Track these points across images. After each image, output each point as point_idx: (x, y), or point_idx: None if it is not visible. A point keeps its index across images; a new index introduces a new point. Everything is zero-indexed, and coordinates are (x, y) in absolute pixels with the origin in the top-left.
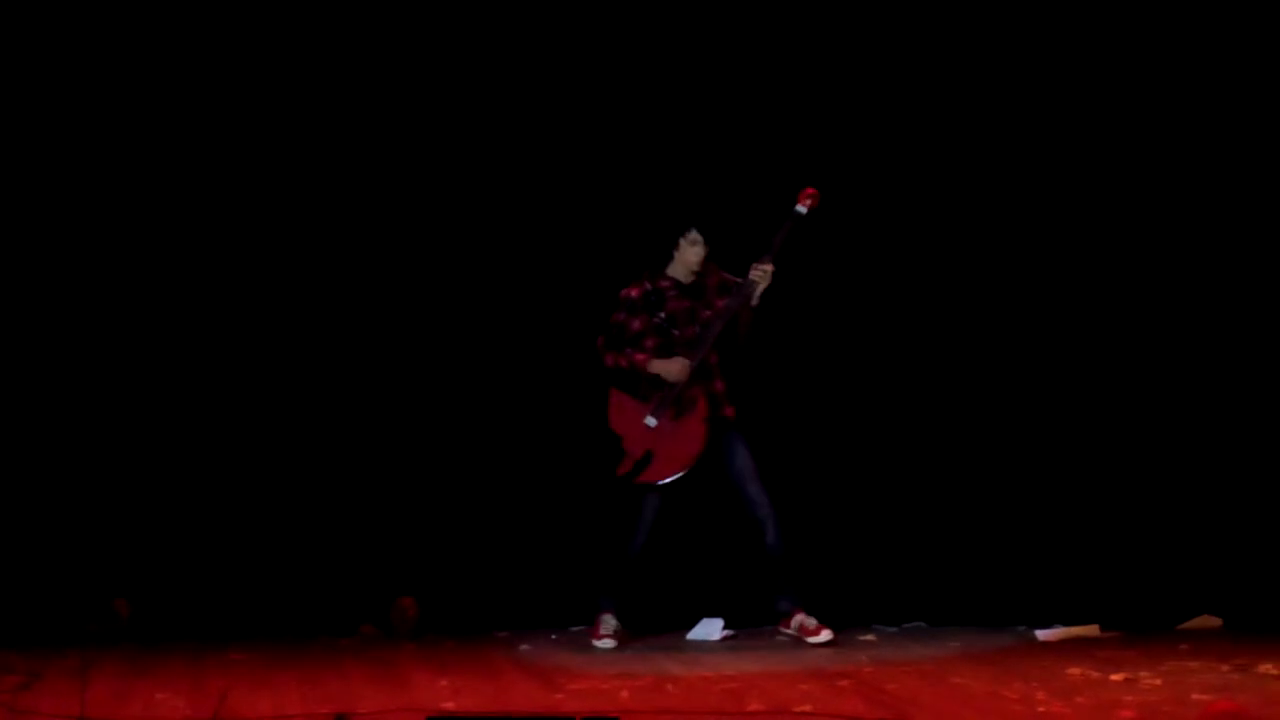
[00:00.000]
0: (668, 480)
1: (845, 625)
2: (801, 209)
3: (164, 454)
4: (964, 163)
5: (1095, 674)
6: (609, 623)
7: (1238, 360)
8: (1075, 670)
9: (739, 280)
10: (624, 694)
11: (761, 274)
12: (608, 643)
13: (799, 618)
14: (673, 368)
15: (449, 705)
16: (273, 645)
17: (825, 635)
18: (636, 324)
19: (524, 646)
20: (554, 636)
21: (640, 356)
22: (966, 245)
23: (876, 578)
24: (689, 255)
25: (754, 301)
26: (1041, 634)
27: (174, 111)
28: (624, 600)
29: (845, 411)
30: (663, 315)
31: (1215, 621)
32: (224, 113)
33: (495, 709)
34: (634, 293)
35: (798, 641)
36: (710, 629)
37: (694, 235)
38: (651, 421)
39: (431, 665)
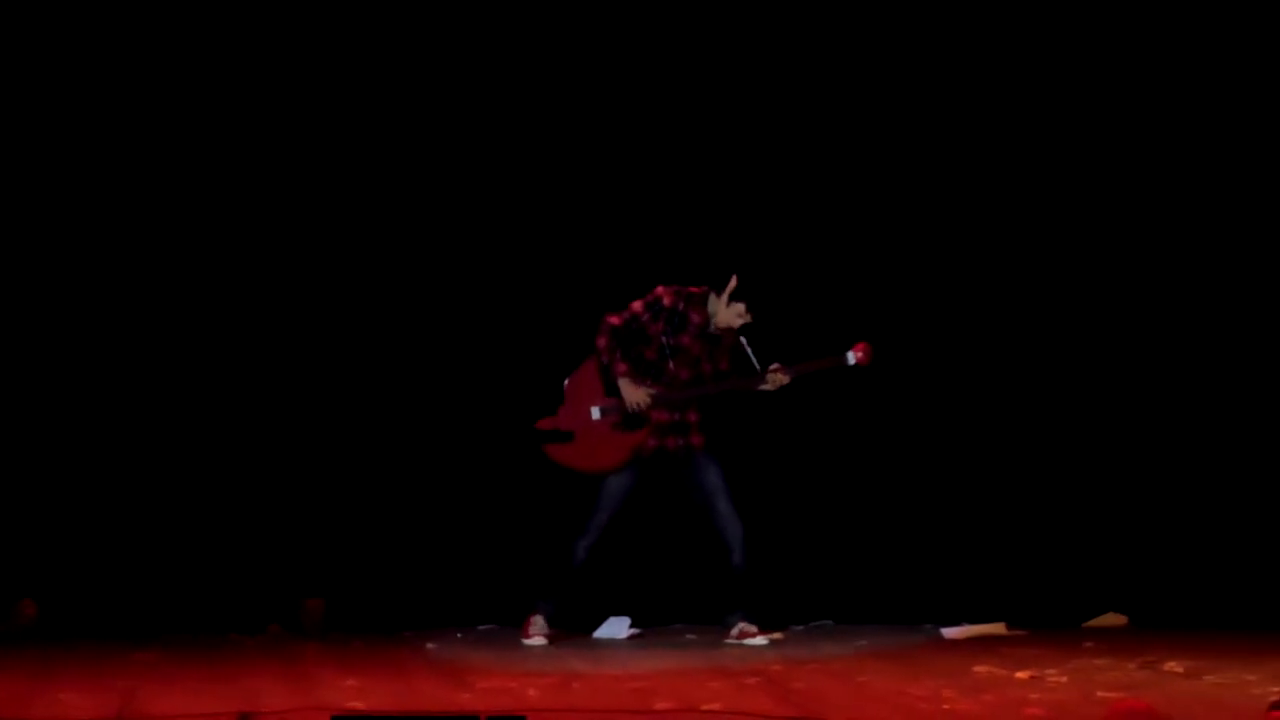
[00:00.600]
0: (559, 464)
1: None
2: (851, 358)
3: (72, 454)
4: (959, 162)
5: (1001, 672)
6: (539, 623)
7: (1141, 363)
8: (982, 668)
9: (752, 371)
10: (531, 692)
11: (774, 384)
12: (538, 640)
13: (740, 626)
14: (636, 396)
15: (356, 704)
16: (180, 644)
17: (762, 640)
18: (652, 329)
19: (431, 645)
20: (460, 635)
21: (624, 366)
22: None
23: (785, 577)
24: (729, 314)
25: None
26: (948, 632)
27: (164, 118)
28: (561, 602)
29: (753, 411)
30: (671, 343)
31: (1121, 619)
32: (208, 122)
33: (402, 708)
34: (668, 299)
35: (711, 641)
36: (617, 627)
37: (742, 308)
38: (595, 413)
39: (338, 664)
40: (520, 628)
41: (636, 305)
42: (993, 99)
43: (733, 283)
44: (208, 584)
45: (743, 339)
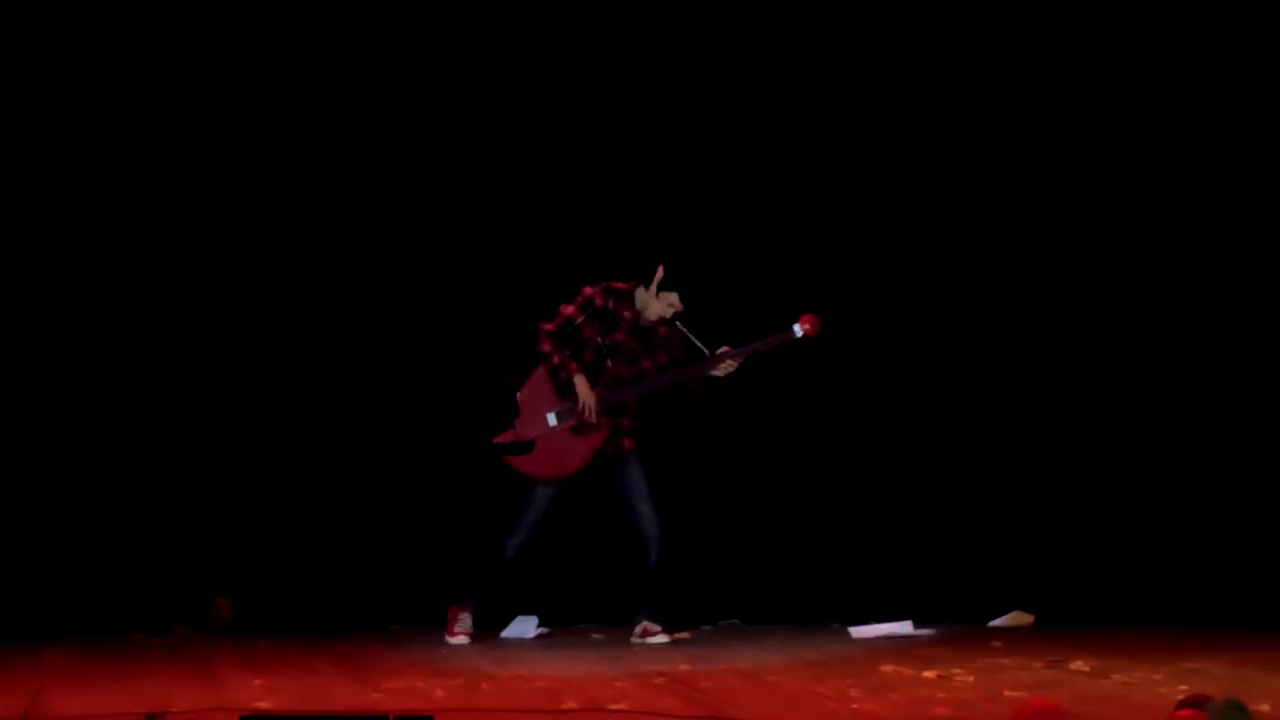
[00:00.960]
0: (524, 473)
1: (664, 625)
2: (798, 330)
3: None
4: (951, 160)
5: (909, 671)
6: (465, 620)
7: (1037, 357)
8: (889, 667)
9: (700, 357)
10: (439, 692)
11: (724, 370)
12: (461, 639)
13: (643, 625)
14: (586, 393)
15: (263, 704)
16: (86, 644)
17: (662, 638)
18: (585, 330)
19: (340, 645)
20: (369, 635)
21: (575, 365)
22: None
23: (693, 576)
24: (659, 305)
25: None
26: (856, 631)
27: (147, 121)
28: (483, 598)
29: (662, 412)
30: (607, 342)
31: (1028, 618)
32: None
33: (310, 708)
34: (598, 299)
35: (619, 640)
36: (525, 627)
37: (674, 298)
38: (552, 420)
39: (246, 664)
40: (445, 625)
41: (567, 309)
42: (989, 98)
43: (659, 273)
44: (113, 583)
45: (680, 325)
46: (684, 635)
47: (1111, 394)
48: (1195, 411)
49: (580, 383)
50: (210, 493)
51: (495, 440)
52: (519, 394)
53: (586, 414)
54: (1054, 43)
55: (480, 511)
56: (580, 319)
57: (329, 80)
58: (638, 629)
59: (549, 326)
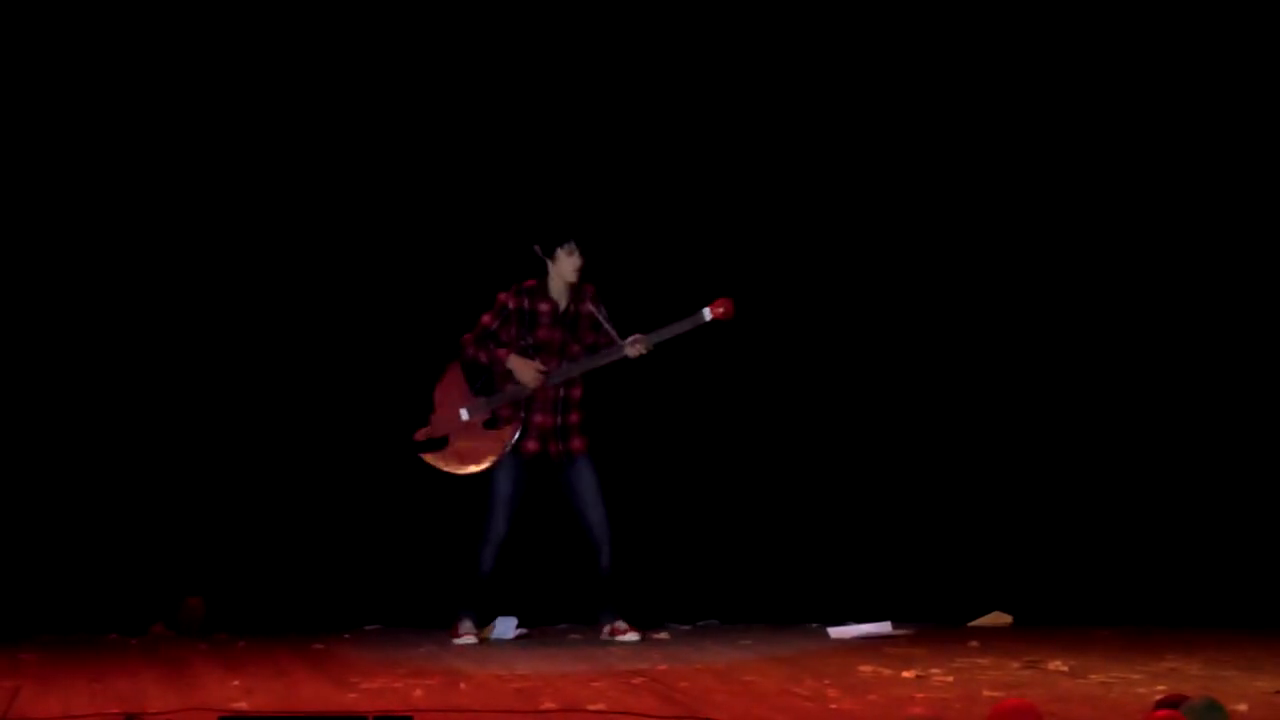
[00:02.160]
0: (442, 470)
1: (639, 624)
2: (708, 314)
3: None
4: (934, 158)
5: (887, 671)
6: (468, 624)
7: (1016, 359)
8: (867, 667)
9: (610, 340)
10: (417, 693)
11: (635, 352)
12: (468, 639)
13: (611, 624)
14: (527, 373)
15: (241, 705)
16: (62, 645)
17: (633, 635)
18: (504, 335)
19: (317, 646)
20: (347, 636)
21: (501, 352)
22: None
23: (671, 576)
24: (565, 266)
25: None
26: (834, 631)
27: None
28: (480, 609)
29: (640, 410)
30: (531, 341)
31: (1006, 619)
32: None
33: (288, 708)
34: (510, 302)
35: (596, 640)
36: (504, 628)
37: (571, 246)
38: (465, 414)
39: (223, 665)
40: (426, 626)
41: (485, 318)
42: (980, 92)
43: (538, 250)
44: (89, 583)
45: (600, 312)
46: (662, 635)
47: (1089, 396)
48: (1171, 413)
49: (515, 361)
50: (188, 492)
51: (414, 438)
52: (435, 391)
53: (538, 387)
54: (1039, 31)
55: (456, 512)
56: (496, 325)
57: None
58: (606, 628)
59: (469, 335)
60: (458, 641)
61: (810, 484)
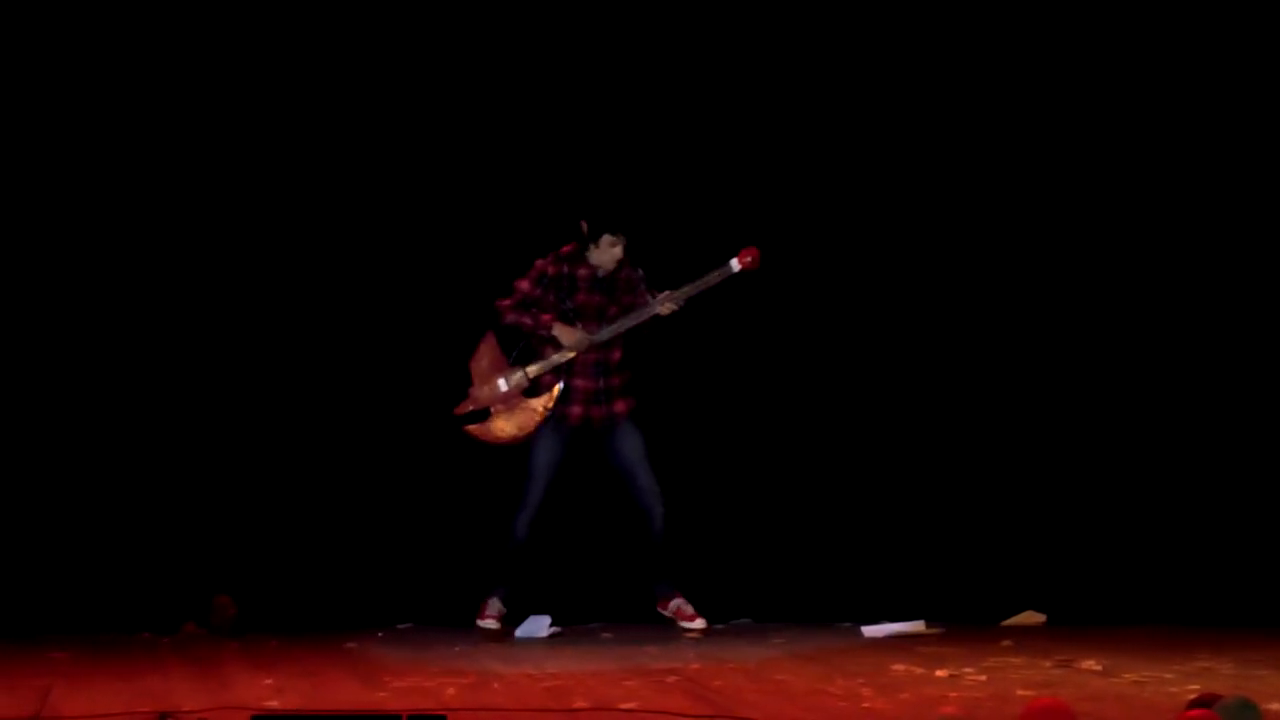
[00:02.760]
0: (485, 442)
1: (671, 622)
2: (735, 265)
3: None
4: (943, 157)
5: (919, 670)
6: (495, 605)
7: (1048, 356)
8: (899, 667)
9: (646, 298)
10: (449, 692)
11: (667, 309)
12: (490, 623)
13: (677, 600)
14: (573, 335)
15: (272, 704)
16: (94, 643)
17: (699, 623)
18: (543, 301)
19: (349, 645)
20: (380, 634)
21: (546, 317)
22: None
23: (703, 575)
24: (605, 255)
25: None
26: (867, 630)
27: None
28: (514, 585)
29: (679, 406)
30: (571, 305)
31: (1039, 618)
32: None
33: (319, 707)
34: (550, 269)
35: (626, 639)
36: (536, 626)
37: (618, 239)
38: (503, 384)
39: (255, 663)
40: (453, 623)
41: (523, 284)
42: (979, 91)
43: (584, 227)
44: (121, 582)
45: (639, 271)
46: (719, 627)
47: (1122, 393)
48: (1207, 410)
49: (560, 327)
50: (219, 491)
51: (455, 412)
52: (470, 363)
53: (577, 348)
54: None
55: (490, 509)
56: (537, 293)
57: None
58: (670, 604)
59: (506, 301)
60: (482, 624)
61: (843, 483)
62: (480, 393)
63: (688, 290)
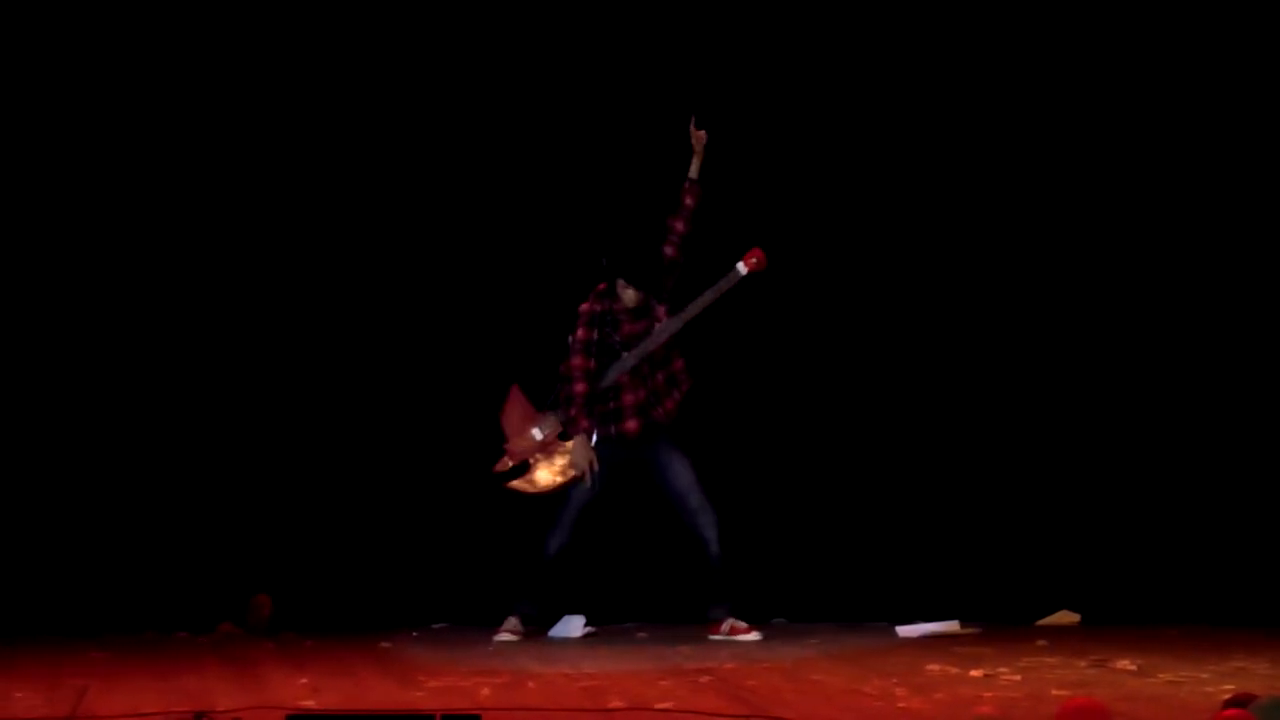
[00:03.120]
0: (531, 493)
1: (706, 622)
2: (742, 268)
3: (20, 451)
4: (944, 158)
5: (954, 670)
6: (512, 621)
7: (1089, 361)
8: (934, 666)
9: (661, 316)
10: (484, 691)
11: (669, 331)
12: (505, 636)
13: (728, 623)
14: (587, 456)
15: (308, 703)
16: (130, 642)
17: (754, 635)
18: (591, 335)
19: (384, 644)
20: (414, 634)
21: (585, 423)
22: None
23: (738, 575)
24: (626, 295)
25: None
26: (901, 630)
27: (145, 120)
28: (539, 601)
29: (710, 409)
30: (618, 339)
31: (1074, 617)
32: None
33: (355, 707)
34: (596, 307)
35: (663, 639)
36: (571, 626)
37: (621, 283)
38: (537, 434)
39: (290, 663)
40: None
41: (580, 333)
42: (986, 93)
43: (604, 261)
44: (157, 582)
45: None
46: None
47: (1158, 393)
48: (1245, 411)
49: (581, 441)
50: (256, 491)
51: (494, 470)
52: (501, 419)
53: (584, 477)
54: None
55: (525, 509)
56: (593, 335)
57: (325, 81)
58: (724, 626)
59: (576, 362)
60: (497, 638)
61: (879, 482)
62: (516, 446)
63: (700, 303)
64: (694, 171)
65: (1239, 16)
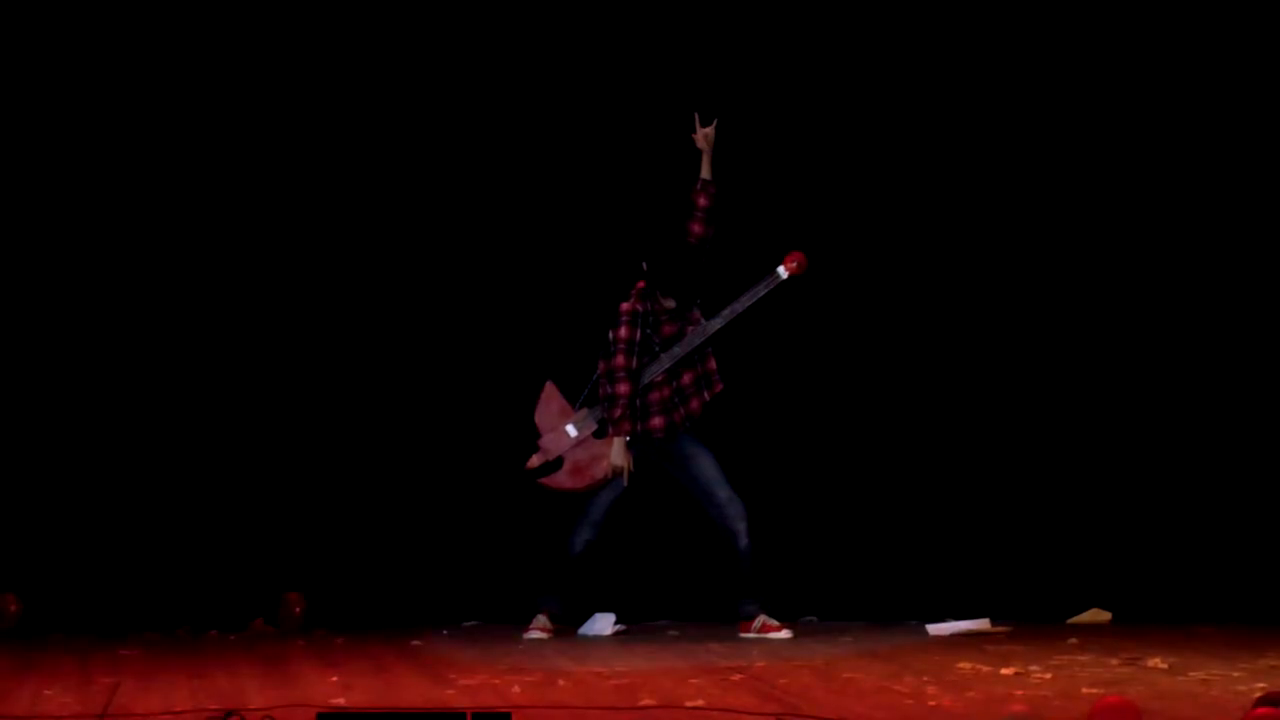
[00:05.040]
0: (564, 490)
1: (739, 620)
2: (783, 272)
3: (52, 449)
4: (955, 161)
5: (986, 668)
6: (541, 619)
7: (1121, 359)
8: (966, 664)
9: (698, 319)
10: (515, 689)
11: (708, 332)
12: (535, 633)
13: (760, 619)
14: (623, 460)
15: (339, 701)
16: (162, 640)
17: (785, 633)
18: (635, 335)
19: (415, 642)
20: (446, 632)
21: (626, 426)
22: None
23: (769, 569)
24: (665, 303)
25: None
26: (933, 628)
27: (160, 118)
28: (565, 599)
29: (739, 406)
30: (658, 340)
31: (1105, 615)
32: (199, 122)
33: (386, 705)
34: (639, 307)
35: (694, 637)
36: (602, 624)
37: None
38: (572, 431)
39: (322, 661)
40: (523, 621)
41: (622, 332)
42: (991, 95)
43: (645, 265)
44: (190, 580)
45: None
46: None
47: (1194, 391)
48: (1274, 409)
49: (620, 444)
50: (288, 489)
51: (526, 467)
52: (535, 415)
53: (622, 478)
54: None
55: (552, 506)
56: (637, 334)
57: (339, 79)
58: (755, 624)
59: (620, 361)
60: (527, 635)
61: (910, 481)
62: (549, 443)
63: (737, 306)
64: (705, 172)
65: (1239, 16)
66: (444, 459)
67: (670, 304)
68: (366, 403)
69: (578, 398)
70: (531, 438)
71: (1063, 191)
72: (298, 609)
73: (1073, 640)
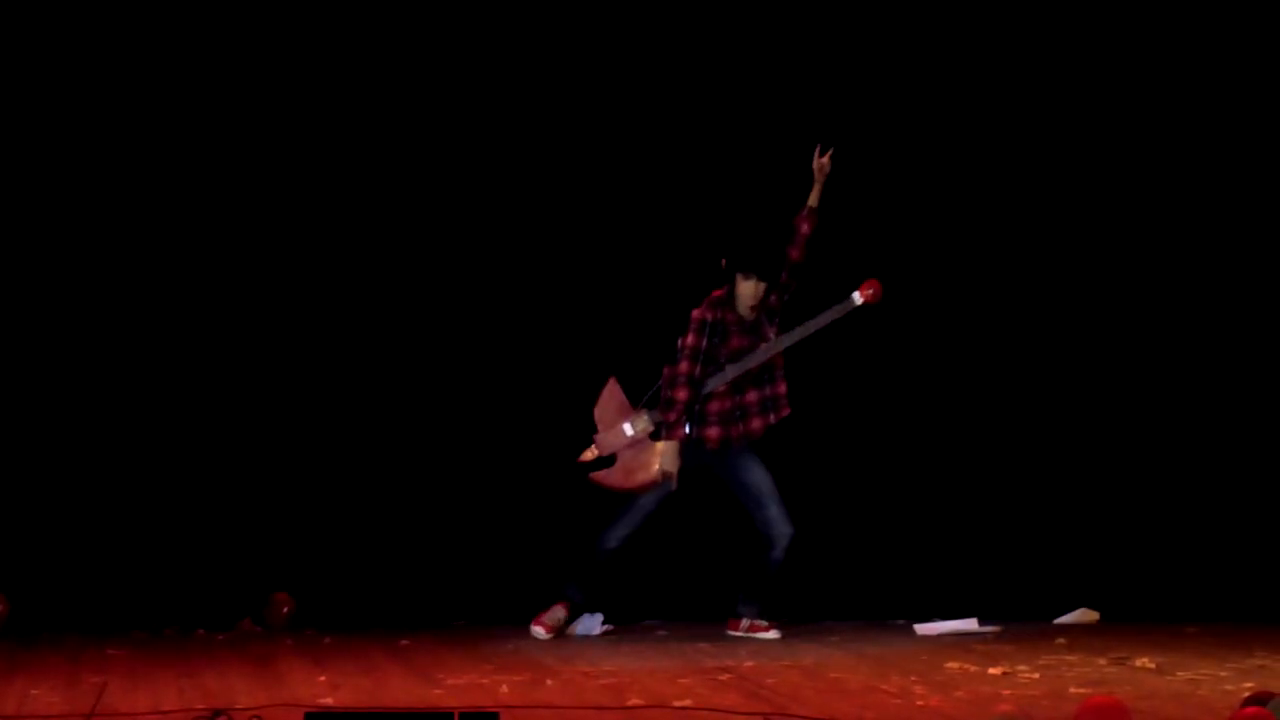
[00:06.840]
0: (610, 488)
1: (726, 619)
2: (858, 298)
3: (40, 450)
4: (962, 164)
5: (973, 668)
6: (557, 614)
7: (1107, 360)
8: (953, 664)
9: (769, 335)
10: (503, 689)
11: (780, 346)
12: (539, 631)
13: (746, 621)
14: (673, 464)
15: (327, 700)
16: (150, 640)
17: (773, 634)
18: (701, 343)
19: (404, 642)
20: (434, 632)
21: (680, 433)
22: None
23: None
24: (745, 291)
25: None
26: (920, 628)
27: (163, 118)
28: (588, 590)
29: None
30: (724, 352)
31: (1093, 615)
32: (206, 122)
33: (374, 704)
34: (708, 315)
35: (682, 637)
36: (590, 624)
37: (747, 275)
38: (628, 429)
39: (310, 660)
40: (514, 620)
41: (690, 340)
42: (998, 98)
43: (724, 264)
44: (177, 579)
45: (772, 297)
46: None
47: (1175, 392)
48: (1264, 407)
49: (670, 448)
50: (276, 489)
51: (579, 460)
52: (594, 410)
53: (671, 482)
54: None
55: (545, 508)
56: (703, 343)
57: (361, 79)
58: (743, 624)
59: (684, 368)
60: (533, 631)
61: (898, 481)
62: (605, 440)
63: (808, 327)
64: (813, 199)
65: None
66: (431, 460)
67: (748, 300)
68: (354, 404)
69: (639, 398)
70: (589, 430)
71: (1050, 192)
72: (285, 609)
73: (1061, 640)
